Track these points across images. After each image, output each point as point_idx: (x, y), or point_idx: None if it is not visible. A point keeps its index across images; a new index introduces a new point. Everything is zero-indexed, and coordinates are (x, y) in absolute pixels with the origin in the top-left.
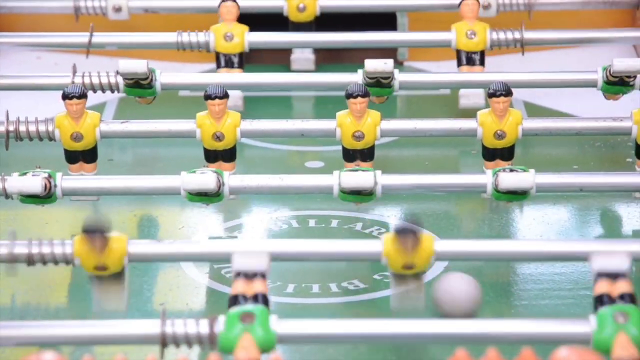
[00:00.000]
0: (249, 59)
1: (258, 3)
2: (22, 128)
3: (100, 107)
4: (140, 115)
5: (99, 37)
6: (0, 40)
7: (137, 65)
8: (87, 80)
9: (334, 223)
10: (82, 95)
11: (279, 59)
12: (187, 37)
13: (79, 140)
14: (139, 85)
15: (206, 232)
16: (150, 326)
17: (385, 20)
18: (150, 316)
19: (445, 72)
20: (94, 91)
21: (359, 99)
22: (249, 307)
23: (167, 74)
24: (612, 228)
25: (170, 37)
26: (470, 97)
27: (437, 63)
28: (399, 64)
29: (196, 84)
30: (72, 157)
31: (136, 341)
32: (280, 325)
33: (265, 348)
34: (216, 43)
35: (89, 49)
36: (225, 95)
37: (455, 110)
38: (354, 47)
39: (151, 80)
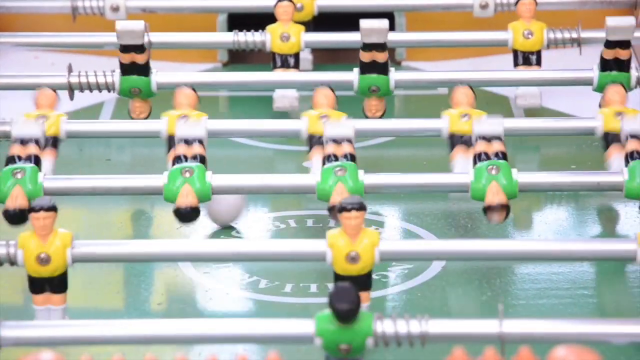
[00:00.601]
0: (246, 59)
1: (255, 3)
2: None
3: (97, 107)
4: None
5: (155, 37)
6: None
7: (134, 25)
8: (83, 80)
9: (332, 222)
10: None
11: None
12: (243, 36)
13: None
14: (135, 68)
15: (204, 232)
16: None
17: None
18: (148, 316)
19: (441, 70)
20: (91, 90)
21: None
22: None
23: (163, 73)
24: (609, 227)
25: (227, 36)
26: (527, 98)
27: (435, 63)
28: (396, 64)
29: (193, 82)
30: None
31: None
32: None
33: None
34: (272, 43)
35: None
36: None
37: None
38: (352, 47)
39: (147, 55)
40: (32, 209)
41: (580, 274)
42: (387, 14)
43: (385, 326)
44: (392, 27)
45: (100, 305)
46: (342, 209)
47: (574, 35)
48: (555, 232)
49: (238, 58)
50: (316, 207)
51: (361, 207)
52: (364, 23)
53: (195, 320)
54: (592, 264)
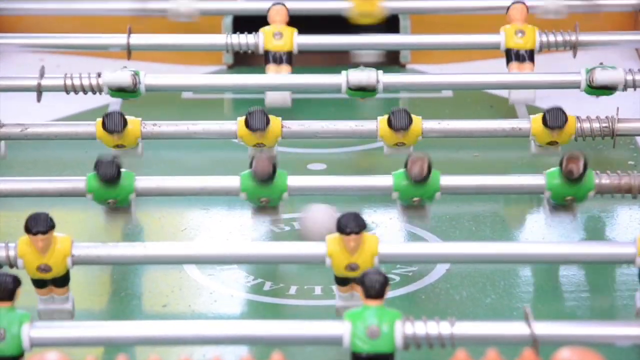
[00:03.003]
0: (250, 61)
1: (258, 5)
2: None
3: (102, 109)
4: (143, 118)
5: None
6: (2, 41)
7: (121, 77)
8: (77, 82)
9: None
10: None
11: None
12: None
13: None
14: (123, 89)
15: (208, 234)
16: None
17: (387, 22)
18: (153, 318)
19: (441, 73)
20: (85, 93)
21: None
22: None
23: (152, 75)
24: (613, 231)
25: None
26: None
27: (440, 66)
28: (401, 67)
29: (182, 85)
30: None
31: None
32: None
33: None
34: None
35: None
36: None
37: (456, 112)
38: (357, 49)
39: (136, 84)
40: (29, 232)
41: (585, 277)
42: (392, 16)
43: (416, 328)
44: (396, 30)
45: (105, 307)
46: (341, 231)
47: (568, 37)
48: (559, 235)
49: (243, 60)
50: None
51: (360, 230)
52: (352, 76)
53: (201, 322)
54: (596, 267)
